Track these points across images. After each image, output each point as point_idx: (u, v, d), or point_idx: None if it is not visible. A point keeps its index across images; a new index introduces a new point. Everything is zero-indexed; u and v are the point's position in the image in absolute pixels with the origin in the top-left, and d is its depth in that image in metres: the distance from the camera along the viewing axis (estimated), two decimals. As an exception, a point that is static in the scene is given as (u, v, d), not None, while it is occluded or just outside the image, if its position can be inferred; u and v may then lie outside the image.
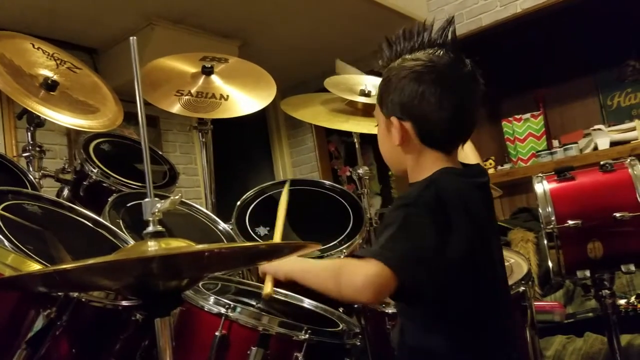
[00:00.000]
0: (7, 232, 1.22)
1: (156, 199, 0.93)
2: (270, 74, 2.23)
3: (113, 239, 1.49)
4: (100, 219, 1.53)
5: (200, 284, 1.36)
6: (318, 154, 4.67)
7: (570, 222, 1.70)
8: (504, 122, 3.72)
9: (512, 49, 3.58)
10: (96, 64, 3.52)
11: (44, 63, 1.99)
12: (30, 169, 1.99)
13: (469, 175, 1.14)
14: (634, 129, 3.23)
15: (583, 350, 2.26)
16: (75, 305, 1.14)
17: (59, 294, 1.11)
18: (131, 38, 0.98)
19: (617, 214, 1.66)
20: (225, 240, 1.76)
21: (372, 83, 2.15)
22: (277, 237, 1.46)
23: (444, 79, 1.07)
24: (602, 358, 2.17)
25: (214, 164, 2.27)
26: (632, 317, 2.35)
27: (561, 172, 1.82)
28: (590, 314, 2.51)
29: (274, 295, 1.31)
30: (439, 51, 1.09)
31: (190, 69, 2.16)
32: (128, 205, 1.70)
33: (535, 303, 1.80)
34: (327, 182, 2.07)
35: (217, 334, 1.21)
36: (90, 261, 0.78)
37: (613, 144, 3.22)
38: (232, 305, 1.24)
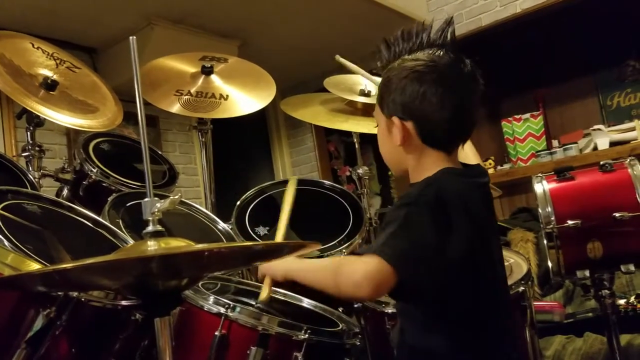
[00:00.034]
0: (6, 232, 1.21)
1: (156, 198, 0.93)
2: (270, 74, 2.24)
3: (112, 239, 1.49)
4: (100, 219, 1.53)
5: (199, 284, 1.36)
6: (318, 154, 4.67)
7: (570, 222, 1.69)
8: (503, 122, 3.72)
9: (511, 49, 3.58)
10: (96, 64, 3.51)
11: (43, 63, 1.99)
12: (30, 168, 1.99)
13: (469, 175, 1.14)
14: (633, 129, 3.23)
15: (583, 350, 2.26)
16: (74, 305, 1.14)
17: (59, 293, 1.11)
18: (131, 38, 0.98)
19: (617, 214, 1.65)
20: (224, 240, 1.76)
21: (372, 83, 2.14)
22: (280, 236, 1.44)
23: (444, 79, 1.07)
24: (602, 358, 2.17)
25: (213, 164, 2.27)
26: (632, 317, 2.35)
27: (561, 172, 1.82)
28: (590, 314, 2.51)
29: (274, 295, 1.31)
30: (438, 51, 1.09)
31: (190, 68, 2.16)
32: (127, 204, 1.70)
33: (535, 303, 1.80)
34: (326, 182, 2.08)
35: (216, 333, 1.21)
36: (90, 261, 0.78)
37: (613, 144, 3.22)
38: (231, 305, 1.24)
